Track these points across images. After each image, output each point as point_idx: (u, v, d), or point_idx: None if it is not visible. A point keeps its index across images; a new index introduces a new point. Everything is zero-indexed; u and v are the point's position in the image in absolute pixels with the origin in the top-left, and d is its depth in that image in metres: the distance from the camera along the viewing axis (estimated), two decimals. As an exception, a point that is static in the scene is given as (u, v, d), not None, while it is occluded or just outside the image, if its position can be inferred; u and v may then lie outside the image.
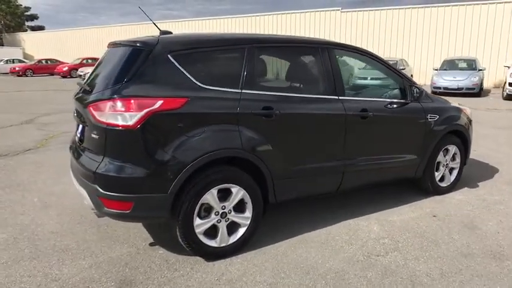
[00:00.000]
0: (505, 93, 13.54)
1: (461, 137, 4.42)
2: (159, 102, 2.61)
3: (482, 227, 3.58)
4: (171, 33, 3.18)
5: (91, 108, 2.72)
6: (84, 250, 3.13)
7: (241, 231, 3.03)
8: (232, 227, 3.02)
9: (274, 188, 3.12)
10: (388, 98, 3.83)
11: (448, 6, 20.79)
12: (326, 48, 3.42)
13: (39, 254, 3.06)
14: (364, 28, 22.94)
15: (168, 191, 2.66)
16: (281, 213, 3.76)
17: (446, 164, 4.39)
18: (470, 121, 4.58)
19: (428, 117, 4.00)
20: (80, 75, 26.04)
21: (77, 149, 3.14)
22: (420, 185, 4.32)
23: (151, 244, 3.23)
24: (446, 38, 20.81)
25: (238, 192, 2.94)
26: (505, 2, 19.45)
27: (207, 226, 2.88)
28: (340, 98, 3.41)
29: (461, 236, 3.39)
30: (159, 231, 3.42)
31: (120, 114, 2.57)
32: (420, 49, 21.51)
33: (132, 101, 2.58)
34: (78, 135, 3.16)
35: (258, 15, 27.16)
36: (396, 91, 3.93)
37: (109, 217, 2.88)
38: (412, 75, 17.50)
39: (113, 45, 3.24)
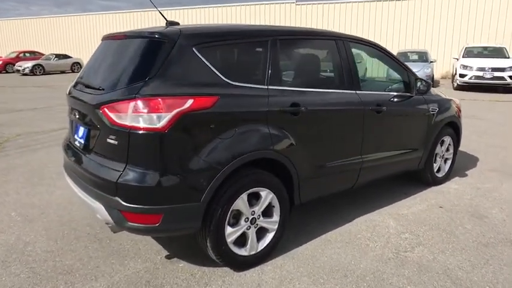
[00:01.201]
0: (455, 84, 14.43)
1: (455, 128, 4.55)
2: (190, 102, 2.33)
3: (488, 215, 3.69)
4: (178, 24, 2.88)
5: (106, 110, 2.37)
6: (92, 269, 2.77)
7: (269, 237, 2.85)
8: (260, 233, 2.82)
9: (299, 189, 2.97)
10: (396, 92, 3.81)
11: (399, 0, 21.61)
12: (343, 41, 3.31)
13: (41, 279, 2.65)
14: (319, 21, 23.29)
15: (201, 199, 2.40)
16: (294, 214, 3.62)
17: (442, 155, 4.51)
18: (460, 111, 4.73)
19: (431, 109, 4.05)
20: (18, 70, 23.94)
21: (78, 154, 2.76)
22: (421, 177, 4.38)
23: (167, 257, 2.94)
24: (397, 31, 21.68)
25: (267, 196, 2.75)
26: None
27: (238, 234, 2.66)
28: (357, 92, 3.32)
29: (474, 226, 3.46)
30: (169, 242, 3.13)
31: (147, 116, 2.25)
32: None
33: (161, 101, 2.27)
34: (80, 139, 2.77)
35: (208, 7, 26.57)
36: (402, 84, 3.93)
37: (132, 232, 2.55)
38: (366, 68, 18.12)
39: (114, 37, 2.87)
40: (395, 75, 4.01)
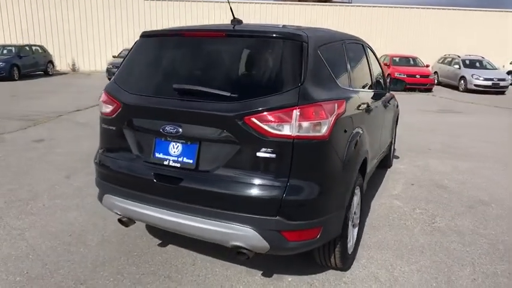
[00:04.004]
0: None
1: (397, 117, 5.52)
2: (336, 106, 2.28)
3: (447, 186, 4.70)
4: (242, 21, 2.68)
5: (254, 120, 2.07)
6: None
7: (355, 232, 2.99)
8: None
9: (366, 180, 3.20)
10: (381, 89, 4.40)
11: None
12: (363, 45, 3.67)
13: None
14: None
15: (346, 205, 2.38)
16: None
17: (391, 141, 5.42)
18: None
19: (396, 103, 4.84)
20: None
21: (178, 176, 2.27)
22: (386, 162, 5.14)
23: (265, 275, 2.73)
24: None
25: (357, 193, 2.88)
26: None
27: (352, 234, 2.72)
28: (374, 90, 3.73)
29: (450, 195, 4.38)
30: (222, 251, 2.89)
31: (310, 124, 2.09)
32: None
33: (323, 107, 2.14)
34: (181, 158, 2.27)
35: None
36: (382, 83, 4.55)
37: (287, 253, 2.30)
38: None
39: (196, 35, 2.50)
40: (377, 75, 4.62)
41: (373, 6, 22.65)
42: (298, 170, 2.12)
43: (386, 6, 22.72)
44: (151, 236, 3.25)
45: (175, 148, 2.30)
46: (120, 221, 2.63)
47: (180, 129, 2.23)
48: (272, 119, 2.07)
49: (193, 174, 2.24)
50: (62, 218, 3.56)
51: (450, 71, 17.07)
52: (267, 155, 2.09)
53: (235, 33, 2.41)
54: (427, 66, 17.34)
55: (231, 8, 2.68)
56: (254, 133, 2.08)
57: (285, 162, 2.09)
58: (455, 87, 16.48)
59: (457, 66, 16.68)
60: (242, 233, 2.14)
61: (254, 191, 2.12)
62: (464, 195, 4.38)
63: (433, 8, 22.76)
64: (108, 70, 15.62)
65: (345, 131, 2.42)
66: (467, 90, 15.52)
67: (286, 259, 2.88)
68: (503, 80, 15.41)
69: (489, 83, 15.10)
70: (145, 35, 2.64)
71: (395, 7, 22.70)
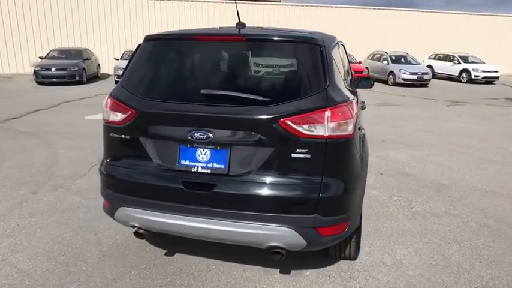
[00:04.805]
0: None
1: None
2: (354, 105, 2.42)
3: (411, 173, 5.16)
4: (245, 24, 2.73)
5: (289, 123, 2.13)
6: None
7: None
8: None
9: None
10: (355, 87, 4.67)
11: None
12: (343, 44, 3.88)
13: None
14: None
15: (363, 197, 2.54)
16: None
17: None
18: None
19: (364, 102, 5.16)
20: None
21: (209, 182, 2.25)
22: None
23: (283, 272, 2.81)
24: (128, 28, 20.78)
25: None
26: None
27: (361, 224, 2.90)
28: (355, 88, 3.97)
29: (416, 182, 4.81)
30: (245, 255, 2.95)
31: (339, 124, 2.21)
32: (105, 38, 20.53)
33: (348, 107, 2.27)
34: (210, 163, 2.25)
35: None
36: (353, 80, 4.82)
37: (320, 248, 2.38)
38: (99, 65, 18.03)
39: (213, 38, 2.49)
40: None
41: (306, 6, 23.58)
42: (330, 168, 2.22)
43: (318, 6, 23.81)
44: (154, 246, 3.14)
45: (203, 154, 2.27)
46: (136, 233, 2.51)
47: (211, 135, 2.21)
48: (306, 121, 2.14)
49: (226, 179, 2.24)
50: (46, 237, 3.27)
51: (380, 66, 18.43)
52: (302, 156, 2.17)
53: (255, 38, 2.43)
54: (359, 62, 18.53)
55: (237, 12, 2.68)
56: (289, 135, 2.14)
57: (318, 162, 2.19)
58: (384, 82, 17.83)
59: (385, 62, 18.07)
60: (280, 233, 2.19)
61: (291, 191, 2.18)
62: (428, 181, 4.85)
63: (363, 8, 24.36)
64: (35, 73, 14.37)
65: (359, 129, 2.58)
66: (396, 84, 16.90)
67: (297, 255, 2.97)
68: (427, 73, 17.05)
69: (415, 76, 16.60)
70: (154, 39, 2.53)
71: (328, 7, 23.85)
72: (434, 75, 19.53)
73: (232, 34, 2.46)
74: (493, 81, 18.90)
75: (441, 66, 20.56)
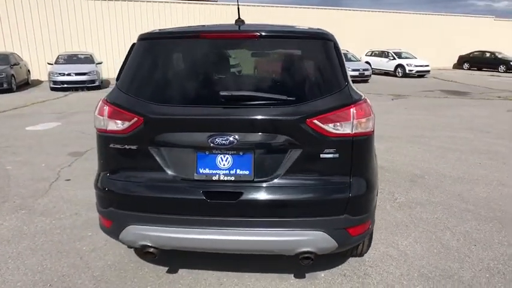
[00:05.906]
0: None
1: None
2: (369, 101, 2.39)
3: (383, 165, 5.32)
4: (244, 21, 2.62)
5: (316, 122, 2.05)
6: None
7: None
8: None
9: None
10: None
11: None
12: None
13: None
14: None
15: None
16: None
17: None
18: None
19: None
20: None
21: (235, 191, 2.10)
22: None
23: (298, 276, 2.72)
24: (60, 31, 19.29)
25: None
26: None
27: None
28: None
29: (391, 173, 4.98)
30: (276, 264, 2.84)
31: (361, 121, 2.17)
32: (34, 42, 18.87)
33: (368, 103, 2.24)
34: (233, 170, 2.09)
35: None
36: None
37: (348, 247, 2.31)
38: (29, 71, 16.47)
39: (225, 36, 2.31)
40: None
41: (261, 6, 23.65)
42: (356, 166, 2.18)
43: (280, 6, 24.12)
44: (151, 264, 2.88)
45: (224, 160, 2.10)
46: (147, 253, 2.27)
47: (233, 139, 2.05)
48: (333, 120, 2.08)
49: (251, 185, 2.09)
50: (22, 268, 2.86)
51: (323, 64, 19.04)
52: (331, 156, 2.10)
53: (269, 35, 2.28)
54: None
55: (238, 9, 2.52)
56: (316, 135, 2.06)
57: (346, 161, 2.13)
58: (329, 79, 18.46)
59: (328, 60, 18.72)
60: (312, 238, 2.11)
61: (322, 193, 2.11)
62: (401, 172, 5.05)
63: (312, 8, 25.07)
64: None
65: None
66: (340, 81, 17.58)
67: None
68: (367, 69, 17.95)
69: (356, 73, 17.37)
70: (156, 37, 2.29)
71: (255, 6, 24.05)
72: (373, 71, 20.65)
73: (246, 31, 2.30)
74: (425, 74, 20.45)
75: (378, 62, 21.79)
